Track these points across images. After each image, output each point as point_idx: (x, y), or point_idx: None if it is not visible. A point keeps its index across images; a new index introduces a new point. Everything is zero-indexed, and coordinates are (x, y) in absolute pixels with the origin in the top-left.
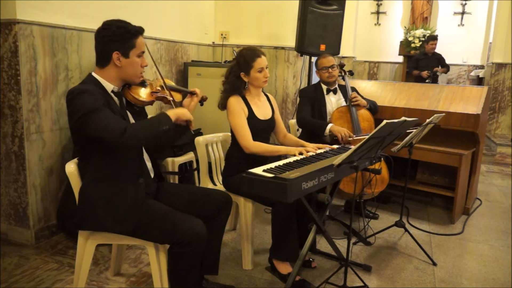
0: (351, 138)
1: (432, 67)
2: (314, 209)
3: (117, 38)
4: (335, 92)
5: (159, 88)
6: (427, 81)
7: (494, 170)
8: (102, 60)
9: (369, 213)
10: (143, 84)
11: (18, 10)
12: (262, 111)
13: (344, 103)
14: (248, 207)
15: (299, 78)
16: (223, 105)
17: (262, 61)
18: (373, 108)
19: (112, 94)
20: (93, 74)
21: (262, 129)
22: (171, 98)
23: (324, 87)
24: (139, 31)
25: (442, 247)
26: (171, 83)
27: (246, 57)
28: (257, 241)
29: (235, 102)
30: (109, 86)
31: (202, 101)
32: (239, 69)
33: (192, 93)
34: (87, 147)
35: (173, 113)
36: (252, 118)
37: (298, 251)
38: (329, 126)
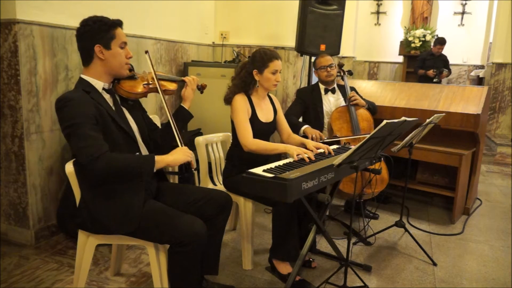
0: (321, 140)
1: (438, 68)
2: (314, 209)
3: (95, 31)
4: (333, 91)
5: (151, 80)
6: (434, 80)
7: (494, 170)
8: (86, 57)
9: (369, 213)
10: (133, 77)
11: (18, 10)
12: (265, 114)
13: (343, 103)
14: (248, 207)
15: (299, 78)
16: (228, 100)
17: (278, 64)
18: (372, 109)
19: (103, 93)
20: (82, 76)
21: (263, 131)
22: (164, 88)
23: (322, 87)
24: (117, 22)
25: (442, 247)
26: (162, 73)
27: (263, 55)
28: (257, 241)
29: (240, 100)
30: (99, 84)
31: (201, 89)
32: (253, 66)
33: (183, 82)
34: None
35: (163, 161)
36: (254, 119)
37: (298, 251)
38: (304, 127)
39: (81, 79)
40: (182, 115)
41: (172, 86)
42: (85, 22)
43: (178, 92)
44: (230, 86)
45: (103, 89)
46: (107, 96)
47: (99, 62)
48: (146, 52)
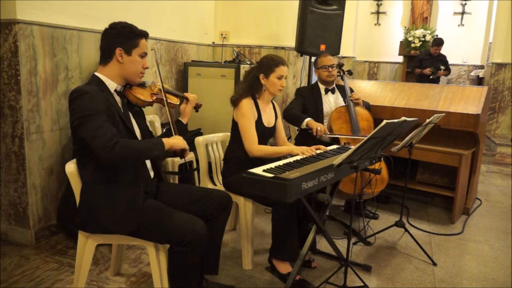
0: (325, 135)
1: (436, 69)
2: (314, 209)
3: (121, 35)
4: (333, 92)
5: (157, 90)
6: (431, 77)
7: (494, 170)
8: (106, 56)
9: (369, 213)
10: (143, 85)
11: (18, 10)
12: (268, 118)
13: (342, 103)
14: (248, 207)
15: (299, 78)
16: (235, 102)
17: (284, 70)
18: (367, 108)
19: (114, 94)
20: (96, 73)
21: (264, 135)
22: (168, 101)
23: (322, 87)
24: (143, 33)
25: (442, 247)
26: (168, 87)
27: (270, 60)
28: (257, 241)
29: (247, 105)
30: (112, 85)
31: (197, 107)
32: (260, 70)
33: (186, 99)
34: (86, 147)
35: (168, 142)
36: (259, 123)
37: (298, 251)
38: (307, 119)
39: (95, 76)
40: (180, 129)
41: (175, 100)
42: (114, 25)
43: (179, 106)
44: (237, 89)
45: (115, 90)
46: (117, 98)
47: (116, 64)
48: (152, 49)
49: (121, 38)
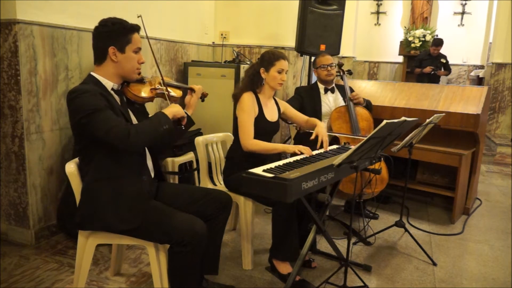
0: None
1: (436, 67)
2: (314, 209)
3: (113, 33)
4: (332, 91)
5: (158, 85)
6: (432, 72)
7: (494, 170)
8: (99, 56)
9: (369, 213)
10: (141, 81)
11: (18, 10)
12: (271, 113)
13: (342, 103)
14: (248, 207)
15: (299, 78)
16: (236, 97)
17: (284, 64)
18: (368, 106)
19: (112, 92)
20: (92, 73)
21: (268, 130)
22: (170, 95)
23: (322, 86)
24: (135, 27)
25: (442, 247)
26: (170, 80)
27: (271, 55)
28: (257, 241)
29: (248, 99)
30: (108, 84)
31: (203, 97)
32: (261, 65)
33: (192, 90)
34: (89, 146)
35: (169, 112)
36: (261, 118)
37: (298, 251)
38: None
39: (91, 76)
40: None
41: (177, 93)
42: (104, 22)
43: (182, 99)
44: (239, 84)
45: (112, 89)
46: (116, 97)
47: (111, 64)
48: (139, 16)
49: (113, 36)
